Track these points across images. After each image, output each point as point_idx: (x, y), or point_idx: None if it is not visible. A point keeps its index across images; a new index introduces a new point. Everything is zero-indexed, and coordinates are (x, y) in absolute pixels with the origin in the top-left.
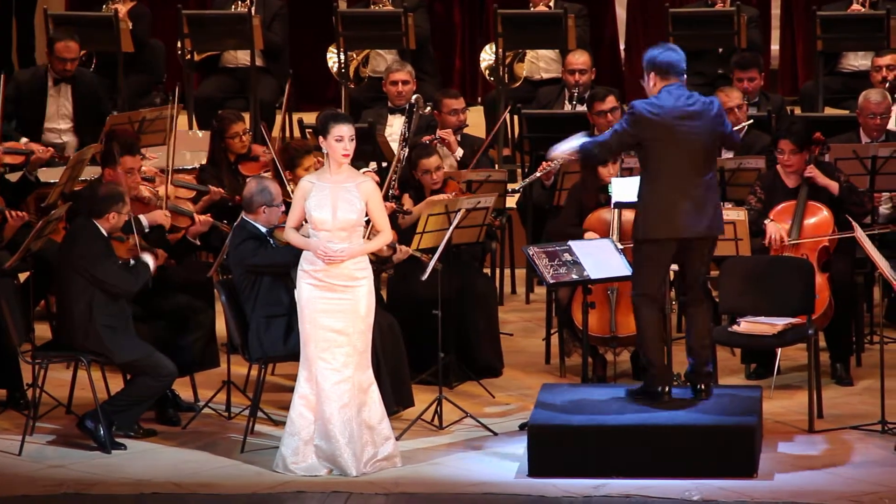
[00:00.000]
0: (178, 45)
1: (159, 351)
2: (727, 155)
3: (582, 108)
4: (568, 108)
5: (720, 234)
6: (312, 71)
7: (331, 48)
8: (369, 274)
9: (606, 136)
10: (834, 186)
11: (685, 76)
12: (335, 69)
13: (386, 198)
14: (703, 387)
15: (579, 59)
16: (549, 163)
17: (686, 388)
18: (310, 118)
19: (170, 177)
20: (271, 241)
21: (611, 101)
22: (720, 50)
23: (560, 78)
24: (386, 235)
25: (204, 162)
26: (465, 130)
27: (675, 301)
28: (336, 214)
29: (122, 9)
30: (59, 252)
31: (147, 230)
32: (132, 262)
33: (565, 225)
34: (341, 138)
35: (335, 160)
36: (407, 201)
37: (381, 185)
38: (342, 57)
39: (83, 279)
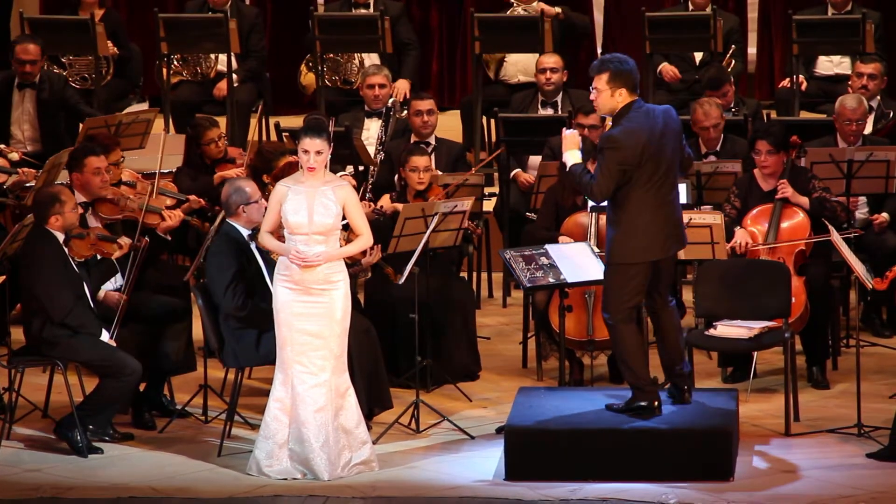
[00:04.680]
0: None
1: (138, 354)
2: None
3: (553, 112)
4: (541, 111)
5: (683, 247)
6: (290, 74)
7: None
8: (345, 277)
9: (598, 178)
10: (805, 202)
11: None
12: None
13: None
14: (686, 387)
15: (550, 59)
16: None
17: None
18: (286, 122)
19: (156, 184)
20: (252, 245)
21: (593, 119)
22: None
23: (535, 83)
24: (366, 239)
25: (179, 165)
26: (442, 134)
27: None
28: (312, 219)
29: (96, 14)
30: (20, 259)
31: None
32: (96, 258)
33: (539, 228)
34: (307, 151)
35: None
36: (385, 201)
37: (357, 188)
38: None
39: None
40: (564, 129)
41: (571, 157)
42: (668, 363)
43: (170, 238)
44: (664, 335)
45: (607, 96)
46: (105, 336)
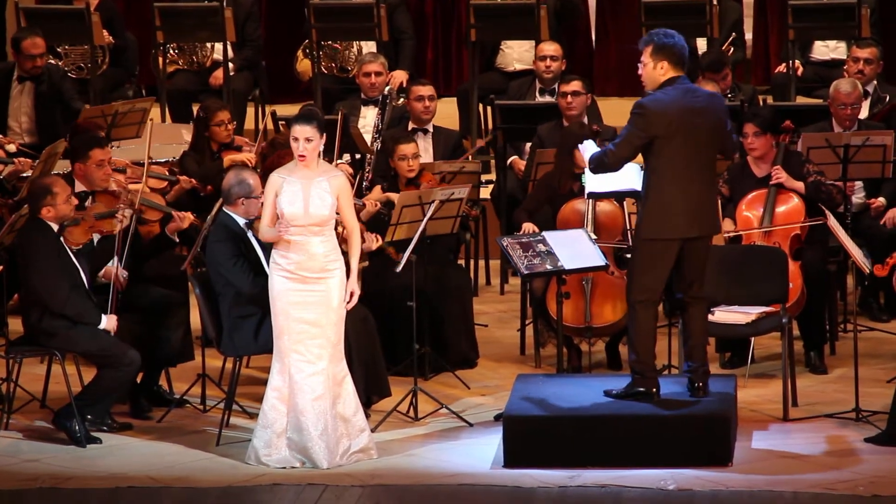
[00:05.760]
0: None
1: (136, 345)
2: None
3: (552, 100)
4: (538, 99)
5: (718, 233)
6: (286, 63)
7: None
8: (341, 265)
9: (616, 142)
10: (800, 186)
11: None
12: (303, 64)
13: (360, 192)
14: (700, 384)
15: (549, 46)
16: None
17: (673, 378)
18: (283, 110)
19: (145, 175)
20: (249, 234)
21: (575, 86)
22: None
23: (532, 70)
24: (357, 234)
25: (180, 154)
26: (439, 122)
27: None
28: (308, 210)
29: (91, 3)
30: (16, 249)
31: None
32: (92, 244)
33: (521, 211)
34: (297, 139)
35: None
36: (377, 191)
37: (354, 176)
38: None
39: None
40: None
41: (590, 148)
42: (687, 357)
43: (178, 240)
44: (688, 332)
45: (650, 69)
46: (104, 321)
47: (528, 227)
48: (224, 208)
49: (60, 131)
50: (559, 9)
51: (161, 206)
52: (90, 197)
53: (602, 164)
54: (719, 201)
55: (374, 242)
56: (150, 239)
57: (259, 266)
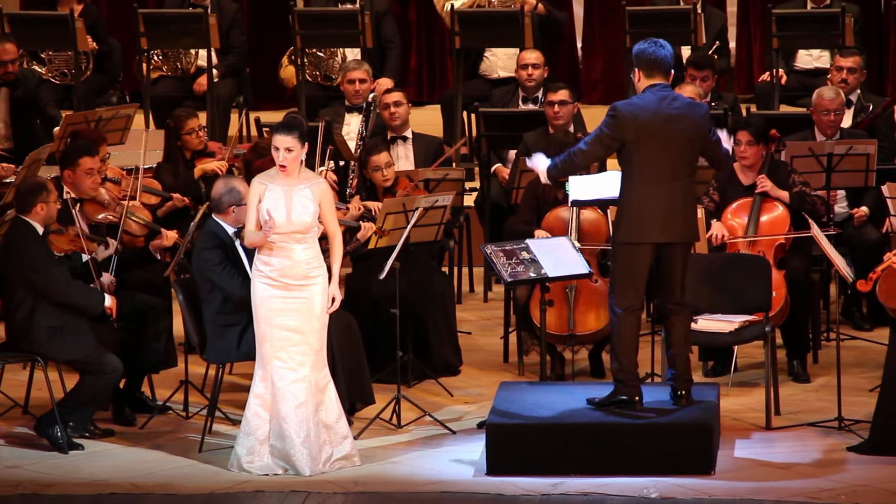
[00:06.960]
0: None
1: (119, 352)
2: None
3: (535, 107)
4: (522, 107)
5: (696, 241)
6: (270, 70)
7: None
8: (323, 272)
9: (587, 140)
10: (785, 196)
11: (672, 73)
12: (287, 70)
13: (343, 197)
14: (683, 392)
15: (531, 55)
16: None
17: (656, 386)
18: (267, 117)
19: (139, 186)
20: (237, 244)
21: (562, 95)
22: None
23: (515, 78)
24: (339, 241)
25: (160, 160)
26: (423, 129)
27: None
28: (290, 217)
29: (76, 9)
30: (1, 255)
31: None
32: (74, 254)
33: (520, 222)
34: (277, 148)
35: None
36: (356, 202)
37: (338, 183)
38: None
39: (24, 284)
40: (526, 160)
41: (543, 163)
42: (670, 365)
43: (159, 257)
44: (671, 340)
45: (636, 79)
46: (108, 300)
47: (542, 233)
48: (213, 216)
49: (39, 137)
50: (543, 24)
51: (148, 222)
52: (78, 204)
53: (571, 164)
54: (709, 209)
55: (370, 229)
56: (133, 250)
57: (245, 275)
